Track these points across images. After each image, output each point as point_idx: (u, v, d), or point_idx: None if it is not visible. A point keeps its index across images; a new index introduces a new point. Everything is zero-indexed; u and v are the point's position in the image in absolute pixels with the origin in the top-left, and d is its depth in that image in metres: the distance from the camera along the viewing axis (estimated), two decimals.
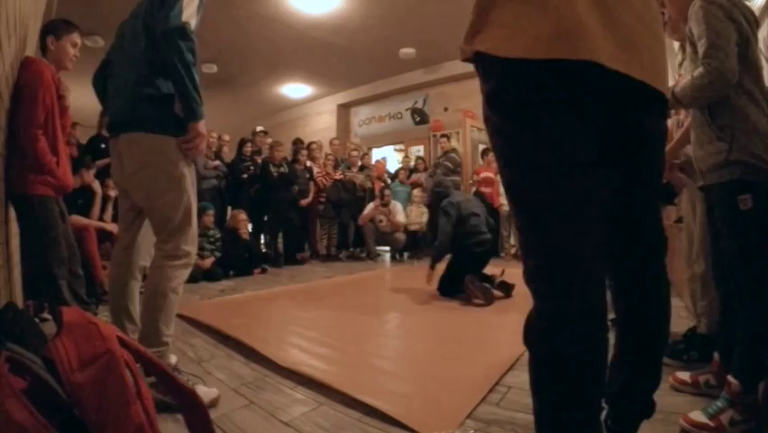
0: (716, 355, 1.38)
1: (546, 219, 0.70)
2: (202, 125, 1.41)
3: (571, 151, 0.69)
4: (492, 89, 0.75)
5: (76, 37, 2.08)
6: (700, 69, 1.17)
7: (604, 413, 0.99)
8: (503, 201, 5.50)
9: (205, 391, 1.34)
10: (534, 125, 0.70)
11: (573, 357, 0.69)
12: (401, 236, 5.68)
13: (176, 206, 1.43)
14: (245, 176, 5.18)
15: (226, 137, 5.39)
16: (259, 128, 6.18)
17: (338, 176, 5.84)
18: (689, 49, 1.30)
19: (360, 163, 6.28)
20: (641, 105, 0.76)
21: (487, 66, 0.75)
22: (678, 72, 1.67)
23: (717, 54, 1.14)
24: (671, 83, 1.15)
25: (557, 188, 0.69)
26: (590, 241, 0.69)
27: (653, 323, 0.88)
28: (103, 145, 3.80)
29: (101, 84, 1.66)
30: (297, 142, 6.05)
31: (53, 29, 2.04)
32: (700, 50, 1.18)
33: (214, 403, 1.35)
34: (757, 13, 1.94)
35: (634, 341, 0.90)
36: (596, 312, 0.69)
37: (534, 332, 0.74)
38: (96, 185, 3.24)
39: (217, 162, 5.04)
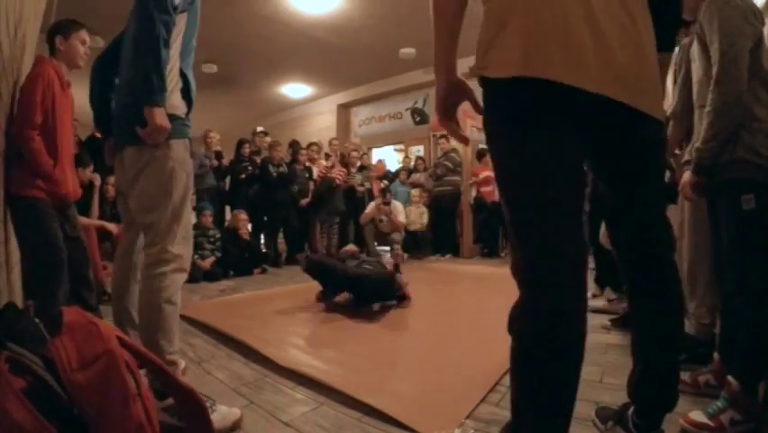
0: (715, 355, 1.38)
1: (531, 219, 0.76)
2: (158, 114, 1.23)
3: (554, 158, 0.75)
4: (487, 104, 0.82)
5: (84, 34, 2.05)
6: (712, 86, 1.16)
7: (630, 410, 1.01)
8: None
9: (225, 413, 1.22)
10: (522, 136, 0.76)
11: (542, 348, 0.74)
12: (397, 236, 5.68)
13: (163, 213, 1.31)
14: (243, 176, 5.18)
15: (216, 136, 5.35)
16: (259, 128, 6.18)
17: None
18: (698, 45, 1.27)
19: (359, 164, 6.26)
20: (630, 117, 0.79)
21: (484, 83, 0.82)
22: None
23: (729, 68, 1.13)
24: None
25: (541, 191, 0.75)
26: (572, 242, 0.75)
27: (665, 319, 0.93)
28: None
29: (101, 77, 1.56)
30: (294, 144, 6.05)
31: (60, 29, 2.01)
32: (713, 55, 1.16)
33: (237, 425, 1.23)
34: None
35: (647, 336, 0.95)
36: (567, 311, 0.74)
37: (514, 321, 0.79)
38: (96, 178, 3.20)
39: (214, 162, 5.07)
